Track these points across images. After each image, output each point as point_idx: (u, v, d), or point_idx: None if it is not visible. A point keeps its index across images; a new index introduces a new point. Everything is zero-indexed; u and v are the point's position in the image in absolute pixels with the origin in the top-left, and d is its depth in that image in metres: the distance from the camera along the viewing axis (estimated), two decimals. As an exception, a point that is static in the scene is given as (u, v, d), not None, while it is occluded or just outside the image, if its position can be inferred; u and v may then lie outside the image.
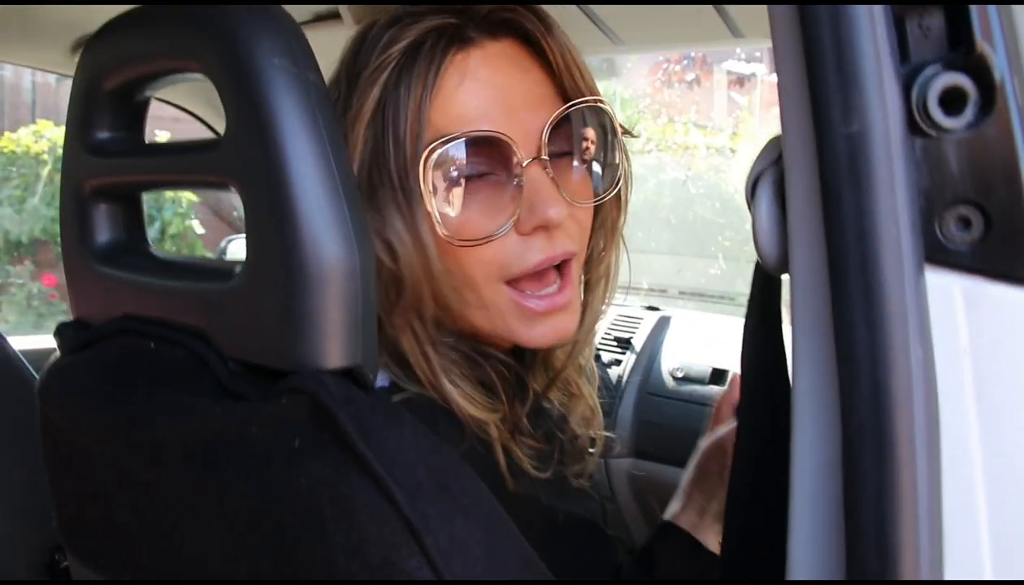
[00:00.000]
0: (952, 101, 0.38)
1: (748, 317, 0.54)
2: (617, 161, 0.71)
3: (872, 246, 0.38)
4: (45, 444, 0.62)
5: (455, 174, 0.62)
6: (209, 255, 4.60)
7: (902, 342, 0.38)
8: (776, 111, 0.42)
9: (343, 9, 1.05)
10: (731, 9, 1.02)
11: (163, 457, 0.52)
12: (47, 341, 0.60)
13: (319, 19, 1.17)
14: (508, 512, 0.51)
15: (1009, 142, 0.37)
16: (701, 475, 0.79)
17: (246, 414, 0.49)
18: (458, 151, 0.62)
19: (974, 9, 0.38)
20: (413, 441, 0.48)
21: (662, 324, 1.59)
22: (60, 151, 0.60)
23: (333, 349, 0.48)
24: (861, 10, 0.38)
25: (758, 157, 0.46)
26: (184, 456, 0.50)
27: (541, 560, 0.51)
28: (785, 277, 0.45)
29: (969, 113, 0.38)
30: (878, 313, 0.38)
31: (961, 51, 0.38)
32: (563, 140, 0.67)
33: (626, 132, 0.72)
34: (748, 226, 0.47)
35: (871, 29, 0.38)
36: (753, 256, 0.47)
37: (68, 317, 0.64)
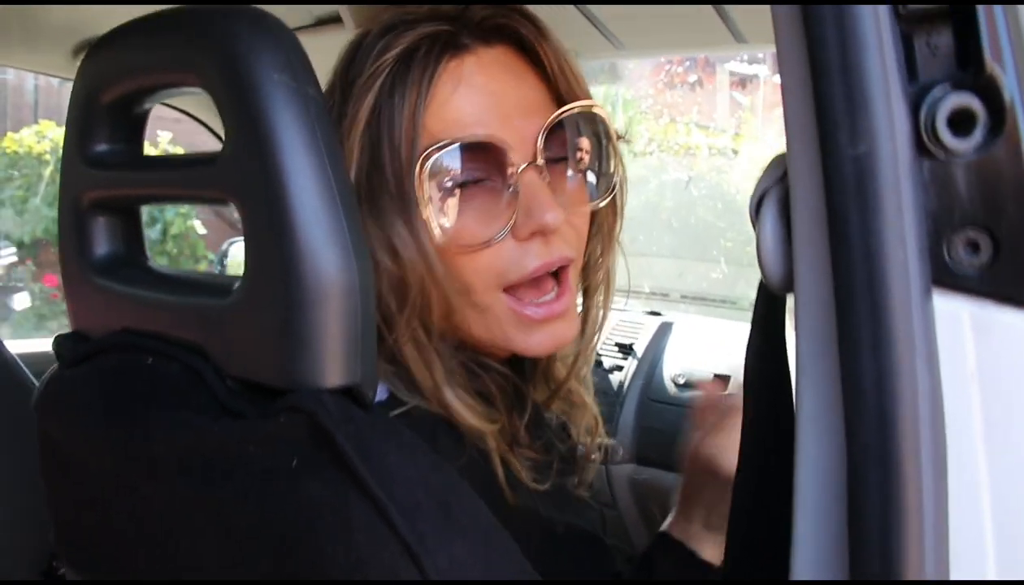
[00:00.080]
0: (961, 122, 0.38)
1: (752, 336, 0.54)
2: (612, 167, 0.70)
3: (879, 269, 0.37)
4: (43, 457, 0.62)
5: (451, 180, 0.62)
6: (211, 256, 4.61)
7: (909, 367, 0.37)
8: (779, 112, 0.42)
9: (344, 13, 1.04)
10: (734, 14, 1.01)
11: (159, 471, 0.51)
12: (47, 344, 0.61)
13: (321, 23, 1.17)
14: (507, 525, 0.50)
15: (1019, 165, 0.37)
16: (689, 485, 0.79)
17: (244, 432, 0.49)
18: (453, 157, 0.62)
19: (984, 28, 0.37)
20: (412, 461, 0.47)
21: (664, 329, 1.59)
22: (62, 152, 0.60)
23: (332, 367, 0.47)
24: (868, 28, 0.37)
25: (763, 175, 0.46)
26: (181, 471, 0.50)
27: (541, 573, 0.51)
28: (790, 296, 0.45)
29: (978, 135, 0.37)
30: (885, 337, 0.37)
31: (970, 71, 0.37)
32: (558, 146, 0.66)
33: (621, 137, 0.72)
34: (750, 229, 0.47)
35: (878, 47, 0.37)
36: (755, 259, 0.47)
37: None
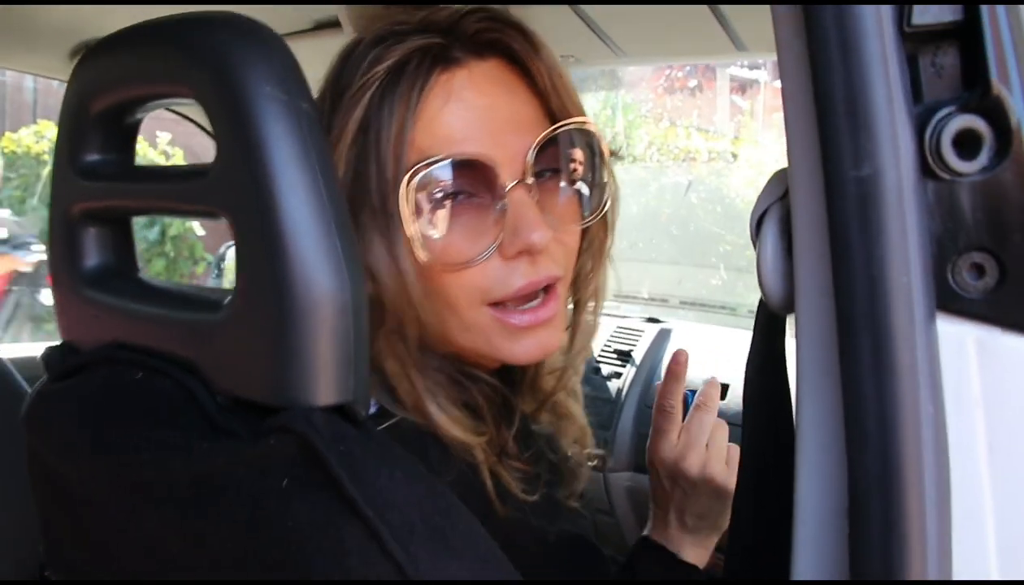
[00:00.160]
0: (966, 144, 0.37)
1: (751, 356, 0.53)
2: (604, 183, 0.69)
3: (882, 293, 0.37)
4: (31, 472, 0.61)
5: (438, 197, 0.61)
6: (209, 258, 4.60)
7: (912, 393, 0.37)
8: (779, 116, 0.41)
9: (343, 17, 1.03)
10: (734, 23, 1.00)
11: (148, 496, 0.50)
12: (42, 349, 0.60)
13: (319, 27, 1.16)
14: (498, 537, 0.50)
15: (1025, 188, 0.36)
16: (659, 488, 0.81)
17: (234, 454, 0.48)
18: (441, 173, 0.61)
19: (990, 48, 0.36)
20: (405, 481, 0.46)
21: (662, 337, 1.58)
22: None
23: (324, 385, 0.47)
24: (873, 48, 0.37)
25: (763, 192, 0.45)
26: (170, 495, 0.49)
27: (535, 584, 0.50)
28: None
29: (984, 157, 0.37)
30: (887, 362, 0.37)
31: (976, 92, 0.37)
32: (549, 162, 0.65)
33: (614, 153, 0.71)
34: (749, 233, 0.46)
35: (883, 68, 0.37)
36: (754, 264, 0.46)
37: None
